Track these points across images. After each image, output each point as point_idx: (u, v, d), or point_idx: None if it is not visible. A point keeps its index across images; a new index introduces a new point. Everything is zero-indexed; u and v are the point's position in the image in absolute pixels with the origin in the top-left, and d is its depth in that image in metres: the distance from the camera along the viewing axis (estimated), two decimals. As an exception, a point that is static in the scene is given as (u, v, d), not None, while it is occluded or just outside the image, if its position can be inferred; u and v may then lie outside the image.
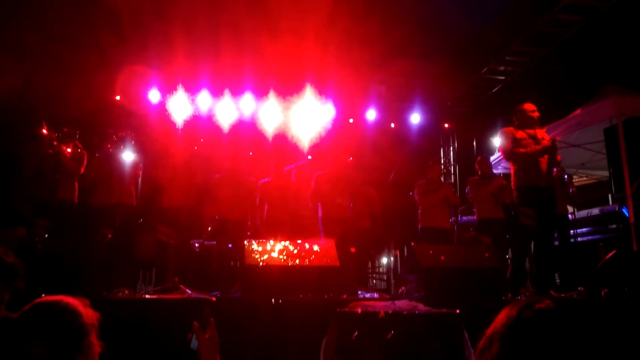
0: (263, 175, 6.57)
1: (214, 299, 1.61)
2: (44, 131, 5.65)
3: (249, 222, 6.40)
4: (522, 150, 5.10)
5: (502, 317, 1.23)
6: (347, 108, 9.16)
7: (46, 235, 5.16)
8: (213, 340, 1.74)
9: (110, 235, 5.25)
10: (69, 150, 5.65)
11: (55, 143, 5.63)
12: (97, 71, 7.46)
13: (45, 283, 3.64)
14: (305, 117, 8.42)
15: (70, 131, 5.77)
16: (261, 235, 6.03)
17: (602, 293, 4.38)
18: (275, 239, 4.63)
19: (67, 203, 5.63)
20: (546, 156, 5.15)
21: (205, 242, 6.42)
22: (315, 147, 8.14)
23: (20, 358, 1.52)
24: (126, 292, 4.22)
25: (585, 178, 9.19)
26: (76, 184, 5.80)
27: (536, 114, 5.21)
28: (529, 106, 5.28)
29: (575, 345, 1.11)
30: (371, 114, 9.29)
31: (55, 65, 6.75)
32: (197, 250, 6.23)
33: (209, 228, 6.37)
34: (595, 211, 6.97)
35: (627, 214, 6.04)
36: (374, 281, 9.36)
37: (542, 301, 1.19)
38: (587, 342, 1.11)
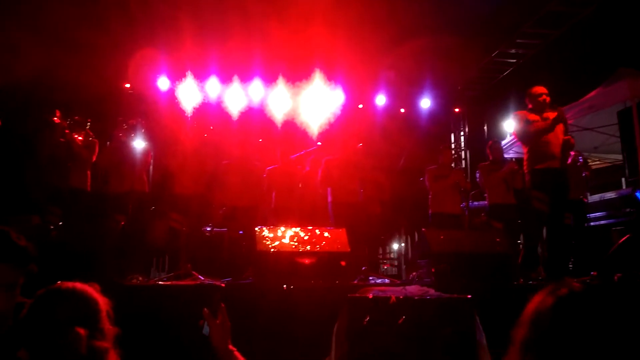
0: (272, 162, 6.57)
1: (223, 285, 1.63)
2: (56, 119, 5.69)
3: (261, 209, 6.42)
4: (532, 128, 5.06)
5: (531, 304, 1.23)
6: (357, 94, 9.10)
7: (60, 223, 5.22)
8: (224, 325, 1.76)
9: (123, 223, 5.31)
10: (80, 138, 5.69)
11: (67, 131, 5.67)
12: (107, 58, 7.46)
13: (59, 270, 3.69)
14: (315, 103, 8.38)
15: (81, 119, 5.81)
16: (270, 222, 6.06)
17: (615, 278, 4.35)
18: (285, 226, 4.65)
19: (80, 191, 5.69)
20: (560, 139, 5.09)
21: (216, 229, 6.46)
22: (324, 133, 8.11)
23: (47, 344, 1.55)
24: (140, 278, 4.28)
25: (598, 162, 9.09)
26: (88, 172, 5.86)
27: (543, 98, 5.14)
28: (537, 90, 5.23)
29: (594, 332, 1.10)
30: (381, 99, 9.22)
31: (66, 52, 6.76)
32: (208, 236, 6.27)
33: (220, 211, 6.36)
34: (608, 195, 6.90)
35: (640, 198, 5.98)
36: (385, 267, 9.38)
37: (567, 286, 1.18)
38: (608, 328, 1.10)
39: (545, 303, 1.18)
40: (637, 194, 6.16)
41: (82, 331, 1.55)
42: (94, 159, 5.85)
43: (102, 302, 1.69)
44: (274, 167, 6.45)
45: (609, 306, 1.14)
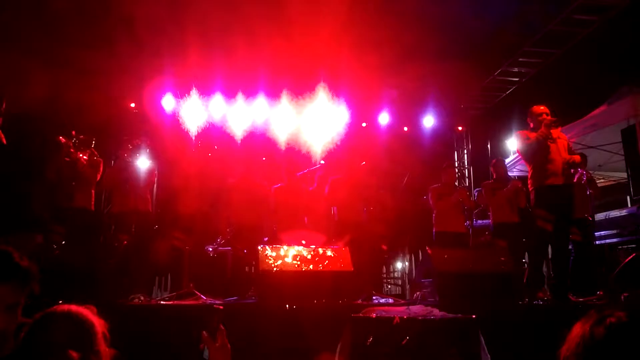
0: (277, 181, 6.58)
1: (222, 307, 1.63)
2: (62, 138, 5.74)
3: (265, 228, 6.41)
4: (530, 141, 5.07)
5: (575, 335, 1.17)
6: (360, 112, 9.14)
7: (63, 242, 5.22)
8: (224, 348, 1.74)
9: (126, 242, 5.30)
10: (85, 157, 5.72)
11: (72, 150, 5.71)
12: (112, 78, 7.54)
13: (61, 290, 3.68)
14: (319, 121, 8.42)
15: (86, 138, 5.84)
16: (277, 240, 6.06)
17: (622, 297, 4.30)
18: (290, 245, 4.64)
19: (84, 210, 5.70)
20: (563, 156, 5.09)
21: (220, 248, 6.45)
22: (328, 152, 8.13)
23: None
24: (142, 298, 4.26)
25: (602, 180, 9.04)
26: (92, 191, 5.88)
27: (543, 117, 5.14)
28: (538, 109, 5.25)
29: None
30: (384, 118, 9.26)
31: (71, 73, 6.85)
32: (212, 255, 6.26)
33: (228, 230, 6.32)
34: (614, 213, 6.85)
35: (646, 216, 5.94)
36: (389, 286, 9.30)
37: (613, 314, 1.14)
38: None
39: (596, 334, 1.12)
40: (643, 212, 6.12)
41: (75, 354, 1.54)
42: (98, 178, 5.88)
43: (98, 324, 1.68)
44: (280, 185, 6.46)
45: None
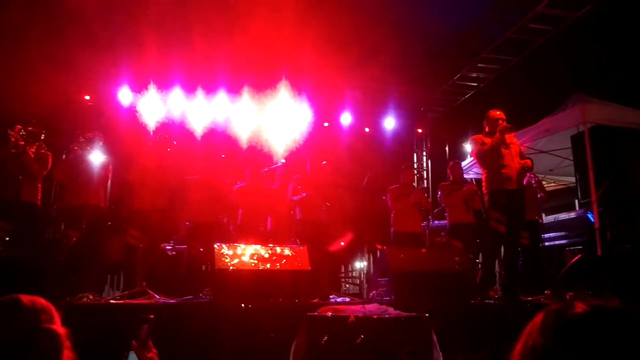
0: (237, 178, 6.51)
1: (152, 316, 1.60)
2: (8, 130, 5.45)
3: (228, 226, 6.33)
4: (486, 147, 5.20)
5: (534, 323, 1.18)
6: (322, 112, 9.15)
7: (7, 238, 4.98)
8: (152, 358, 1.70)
9: (75, 238, 5.10)
10: (32, 150, 5.45)
11: (20, 142, 5.43)
12: (64, 70, 7.24)
13: (5, 287, 3.51)
14: (280, 120, 8.37)
15: (35, 130, 5.57)
16: (236, 239, 5.98)
17: (567, 297, 4.47)
18: (249, 243, 4.59)
19: (30, 205, 5.44)
20: (516, 162, 5.24)
21: (177, 246, 6.31)
22: (289, 150, 8.08)
23: None
24: (90, 297, 4.12)
25: (553, 184, 9.39)
26: (39, 185, 5.62)
27: (499, 122, 5.27)
28: (494, 114, 5.38)
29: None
30: (346, 118, 9.31)
31: (20, 63, 6.55)
32: (166, 253, 6.11)
33: (184, 227, 6.21)
34: (562, 216, 7.13)
35: (592, 219, 6.19)
36: (347, 285, 9.35)
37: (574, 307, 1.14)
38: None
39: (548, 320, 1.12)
40: (589, 215, 6.39)
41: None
42: (45, 172, 5.62)
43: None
44: (242, 184, 6.39)
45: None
